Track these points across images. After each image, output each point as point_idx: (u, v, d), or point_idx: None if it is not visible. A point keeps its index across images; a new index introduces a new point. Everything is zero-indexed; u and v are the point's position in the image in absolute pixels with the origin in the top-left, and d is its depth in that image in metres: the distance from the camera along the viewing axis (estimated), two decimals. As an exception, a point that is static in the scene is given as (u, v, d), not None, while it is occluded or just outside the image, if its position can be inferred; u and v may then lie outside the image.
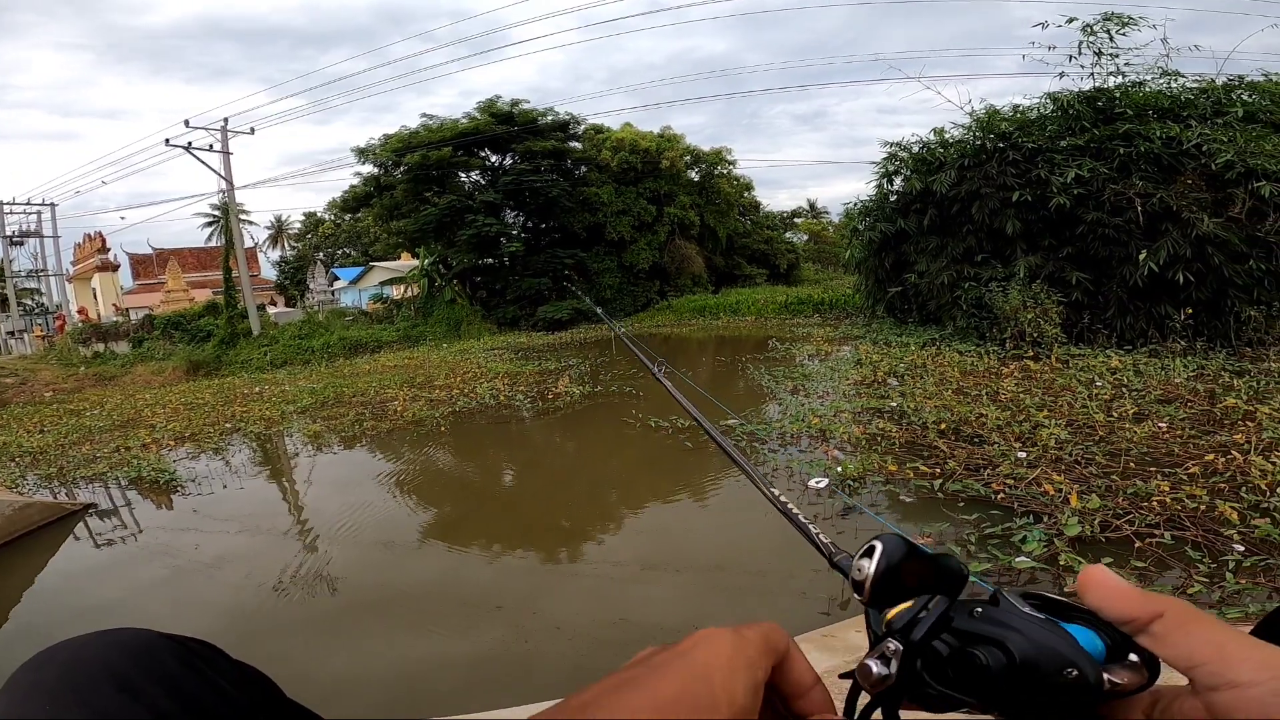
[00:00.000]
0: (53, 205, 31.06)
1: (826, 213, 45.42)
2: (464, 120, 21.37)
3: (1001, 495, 3.99)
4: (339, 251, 41.38)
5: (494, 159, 22.44)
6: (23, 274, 32.38)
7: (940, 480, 4.33)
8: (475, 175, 22.41)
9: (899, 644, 0.35)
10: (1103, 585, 0.36)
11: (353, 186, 22.89)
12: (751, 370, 9.64)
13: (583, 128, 23.14)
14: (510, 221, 22.51)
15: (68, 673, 0.41)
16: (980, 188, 9.98)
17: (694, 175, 25.34)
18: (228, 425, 8.64)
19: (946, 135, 11.20)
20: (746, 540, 3.89)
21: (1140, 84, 9.69)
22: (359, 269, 35.07)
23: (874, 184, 12.20)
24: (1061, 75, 10.21)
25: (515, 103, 21.73)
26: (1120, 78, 9.87)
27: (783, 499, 0.61)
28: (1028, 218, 9.52)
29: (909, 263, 11.46)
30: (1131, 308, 8.81)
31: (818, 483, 4.55)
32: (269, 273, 41.71)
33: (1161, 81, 9.55)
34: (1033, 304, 8.80)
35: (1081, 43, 9.91)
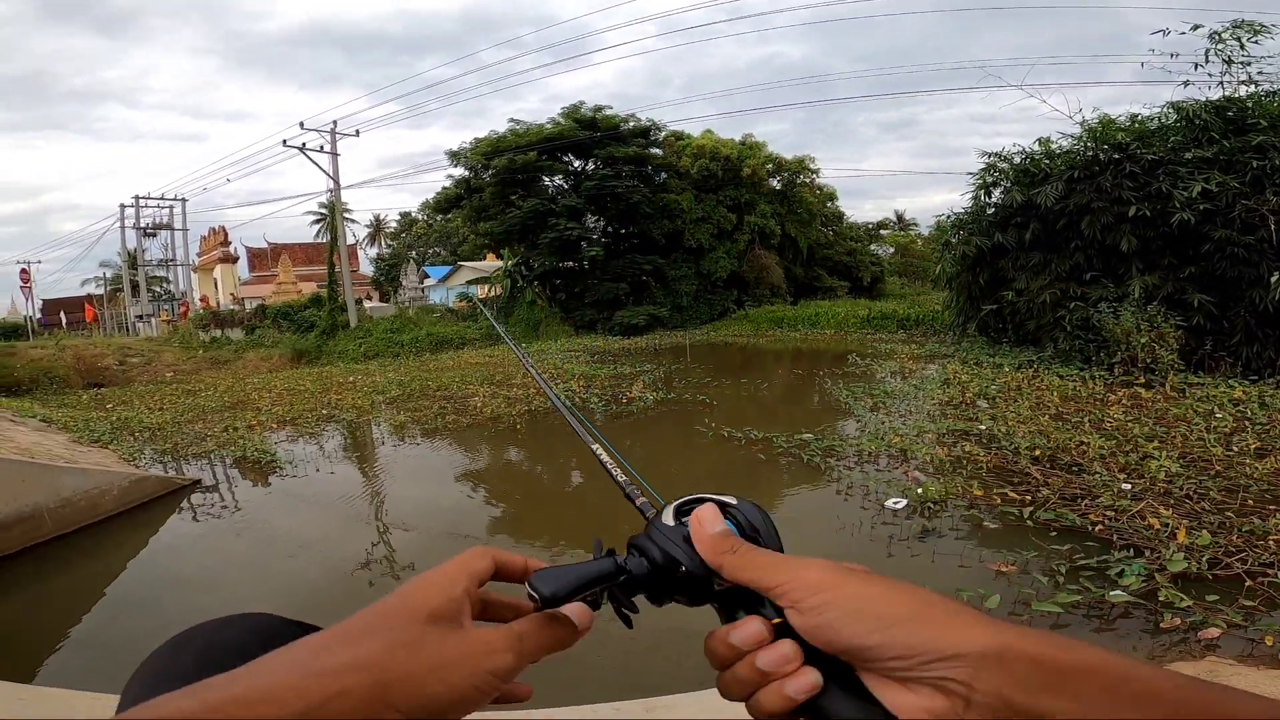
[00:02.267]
0: (183, 200, 34.22)
1: (915, 224, 43.63)
2: (549, 125, 21.98)
3: (1100, 527, 3.75)
4: (430, 250, 43.45)
5: (577, 164, 22.95)
6: (154, 263, 35.87)
7: (1031, 508, 4.11)
8: (558, 179, 22.98)
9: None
10: (696, 536, 0.45)
11: (444, 188, 23.99)
12: (829, 385, 9.38)
13: (663, 134, 23.31)
14: (591, 226, 22.93)
15: (203, 655, 0.46)
16: (1091, 201, 9.31)
17: (775, 184, 24.96)
18: (324, 412, 9.23)
19: (1053, 145, 10.53)
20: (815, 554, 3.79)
21: (1276, 93, 8.85)
22: (447, 268, 36.68)
23: (970, 195, 11.62)
24: (1187, 84, 9.42)
25: (598, 109, 22.15)
26: (1253, 86, 9.05)
27: (597, 449, 0.69)
28: (1145, 234, 8.80)
29: (1006, 279, 10.83)
30: (1260, 335, 7.99)
31: (895, 503, 4.42)
32: (367, 269, 44.34)
33: (1299, 91, 8.71)
34: (1148, 327, 8.11)
35: (1209, 50, 9.15)
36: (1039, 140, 10.73)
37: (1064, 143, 10.34)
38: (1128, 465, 4.77)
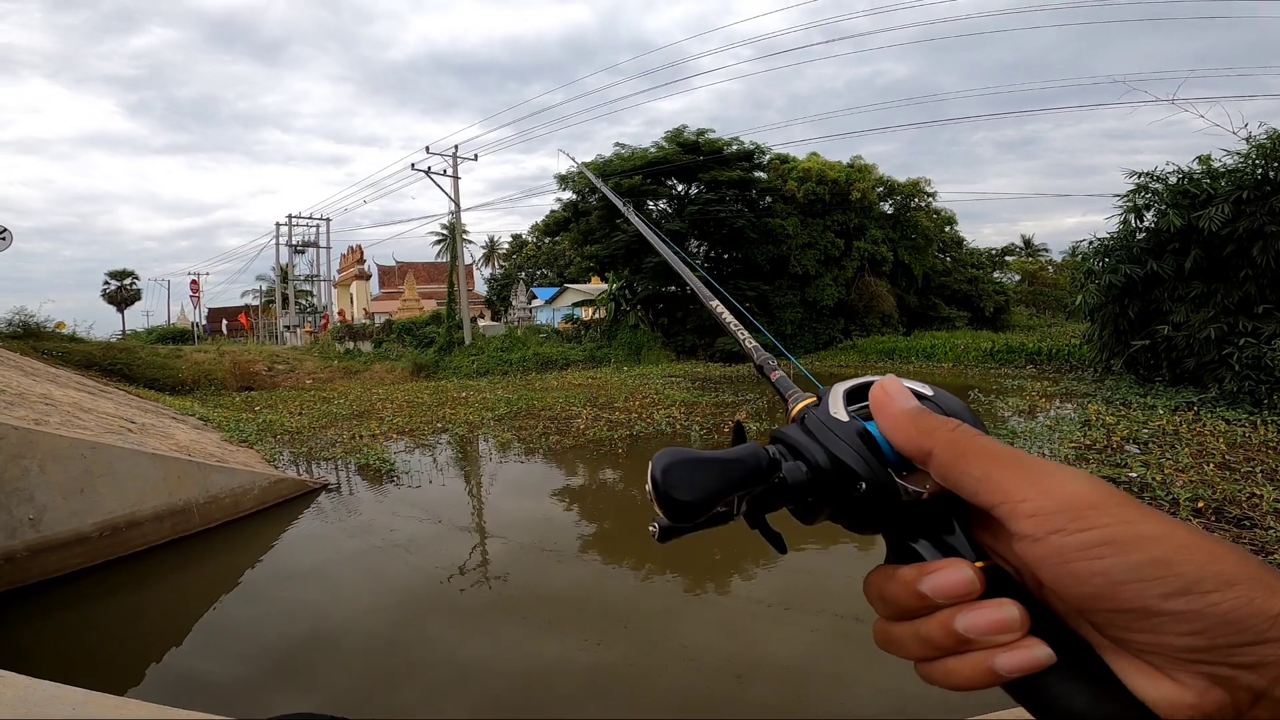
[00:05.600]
0: (328, 220, 37.87)
1: (1045, 250, 40.40)
2: (653, 149, 22.34)
3: None
4: (538, 272, 45.36)
5: (680, 188, 23.17)
6: (301, 278, 39.86)
7: None
8: (662, 204, 23.29)
9: None
10: (884, 409, 0.33)
11: (553, 211, 24.98)
12: (947, 421, 8.76)
13: (767, 157, 23.04)
14: (694, 251, 23.00)
15: None
16: (1264, 225, 8.27)
17: (887, 207, 23.96)
18: (439, 425, 9.76)
19: (1215, 164, 9.41)
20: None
21: None
22: (554, 289, 38.10)
23: (1117, 219, 10.56)
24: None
25: (701, 132, 22.29)
26: None
27: (716, 307, 0.52)
28: (1333, 263, 7.66)
29: (1161, 311, 9.72)
30: None
31: None
32: (482, 288, 46.98)
33: None
34: (1339, 371, 7.00)
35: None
36: (1199, 158, 9.65)
37: (1228, 160, 9.26)
38: (1313, 524, 4.25)
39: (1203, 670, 0.25)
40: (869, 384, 0.36)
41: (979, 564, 0.30)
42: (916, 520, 0.32)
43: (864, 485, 0.32)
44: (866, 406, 0.35)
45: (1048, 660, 0.28)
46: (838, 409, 0.35)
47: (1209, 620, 0.24)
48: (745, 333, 0.51)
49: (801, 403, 0.38)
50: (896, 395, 0.33)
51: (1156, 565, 0.25)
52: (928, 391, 0.35)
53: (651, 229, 0.75)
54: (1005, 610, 0.28)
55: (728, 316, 0.52)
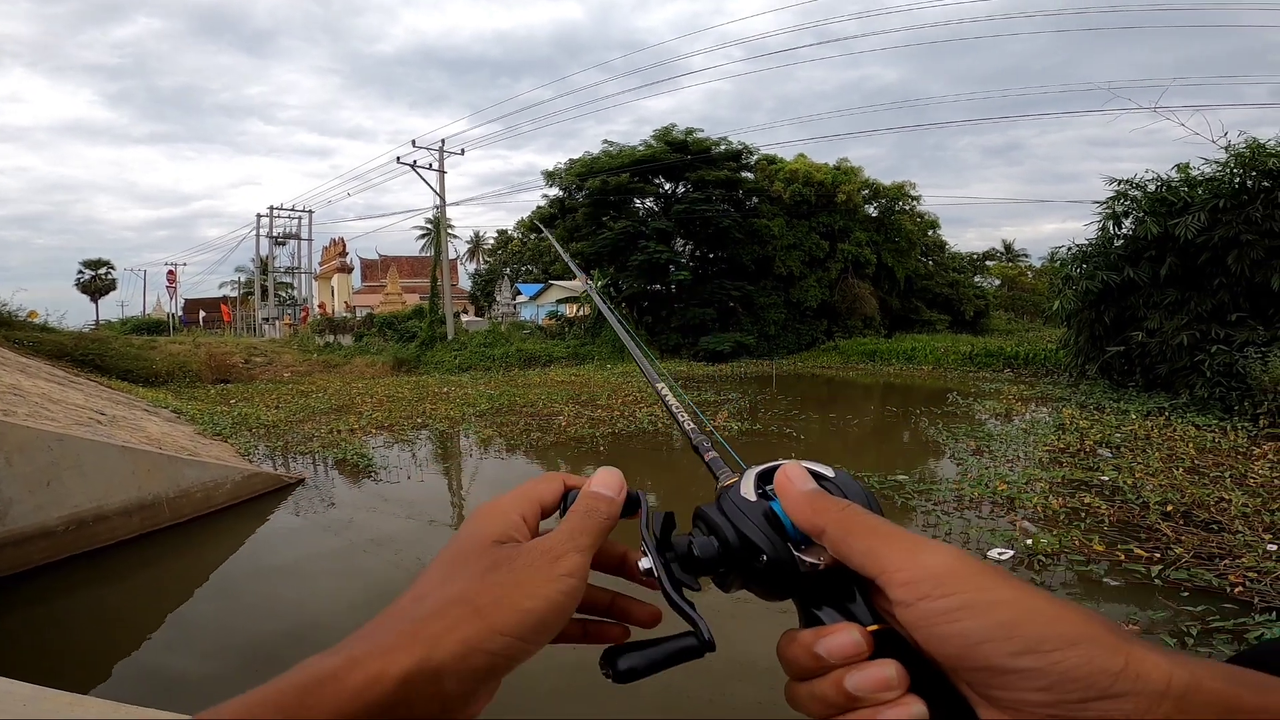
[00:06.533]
0: (310, 212, 37.34)
1: (1025, 255, 41.06)
2: (641, 147, 22.30)
3: (1239, 589, 3.54)
4: (523, 268, 45.05)
5: (667, 186, 23.18)
6: (282, 270, 39.26)
7: (1160, 566, 3.87)
8: (649, 202, 23.28)
9: (648, 540, 0.40)
10: (785, 492, 0.38)
11: (539, 207, 24.88)
12: (925, 424, 8.84)
13: (755, 158, 23.12)
14: (679, 250, 23.03)
15: None
16: (1239, 234, 8.44)
17: (872, 210, 24.17)
18: (419, 420, 9.67)
19: (1193, 172, 9.59)
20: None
21: None
22: (539, 286, 37.86)
23: (1096, 226, 10.74)
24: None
25: (689, 131, 22.29)
26: None
27: (662, 389, 0.56)
28: (1306, 273, 7.85)
29: (1136, 318, 9.91)
30: None
31: (1000, 554, 4.22)
32: (466, 283, 46.60)
33: None
34: (1307, 378, 7.19)
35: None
36: (1177, 166, 9.84)
37: (1206, 169, 9.45)
38: (1274, 524, 4.42)
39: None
40: (778, 467, 0.40)
41: (871, 628, 0.33)
42: (821, 589, 0.36)
43: (765, 558, 0.37)
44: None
45: (920, 716, 0.31)
46: (748, 490, 0.40)
47: (1053, 676, 0.27)
48: (685, 415, 0.55)
49: (724, 483, 0.43)
50: (796, 479, 0.38)
51: (1006, 626, 0.28)
52: (829, 473, 0.40)
53: (608, 306, 0.80)
54: (885, 670, 0.31)
55: (671, 399, 0.56)
